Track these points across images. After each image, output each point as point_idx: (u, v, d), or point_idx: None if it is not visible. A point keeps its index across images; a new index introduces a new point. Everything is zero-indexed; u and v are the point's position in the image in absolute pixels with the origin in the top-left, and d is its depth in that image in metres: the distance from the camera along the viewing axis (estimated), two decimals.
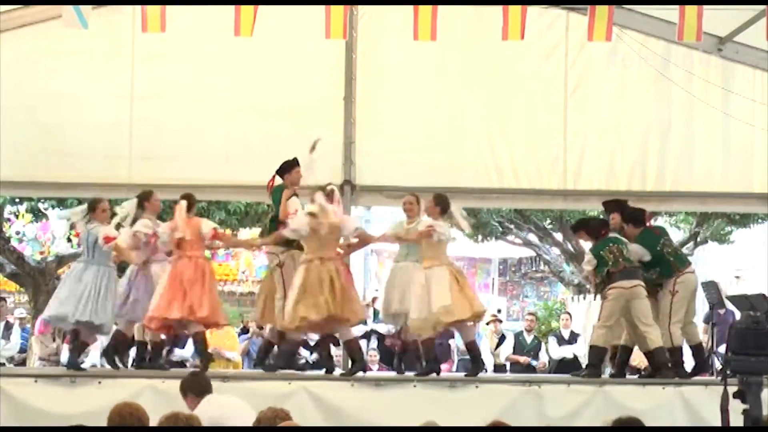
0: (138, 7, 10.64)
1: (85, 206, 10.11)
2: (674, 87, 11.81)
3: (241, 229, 16.33)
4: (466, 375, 10.10)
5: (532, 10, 10.64)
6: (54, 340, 14.17)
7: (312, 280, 9.50)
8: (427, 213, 10.05)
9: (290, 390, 9.32)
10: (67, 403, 9.15)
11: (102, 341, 15.32)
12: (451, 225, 10.11)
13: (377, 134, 11.77)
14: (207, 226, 10.10)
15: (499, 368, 14.84)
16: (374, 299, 15.21)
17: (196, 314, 9.71)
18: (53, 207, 15.84)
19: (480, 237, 18.63)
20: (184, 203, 10.01)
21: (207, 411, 6.97)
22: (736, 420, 5.33)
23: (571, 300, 19.21)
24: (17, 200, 15.54)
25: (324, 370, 10.24)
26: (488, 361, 15.07)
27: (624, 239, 10.27)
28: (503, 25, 10.26)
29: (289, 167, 10.16)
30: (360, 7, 11.60)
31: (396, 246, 10.61)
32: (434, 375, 9.86)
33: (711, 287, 13.56)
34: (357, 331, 12.15)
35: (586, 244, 10.99)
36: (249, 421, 6.43)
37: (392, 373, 10.66)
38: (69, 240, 18.23)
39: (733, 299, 12.53)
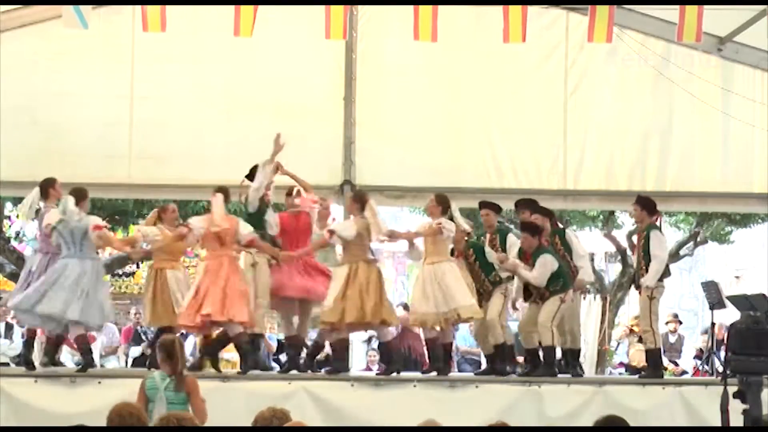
0: (138, 7, 10.65)
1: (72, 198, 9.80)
2: (674, 87, 11.81)
3: None
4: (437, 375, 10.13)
5: (532, 10, 10.65)
6: None
7: (361, 282, 9.64)
8: (429, 212, 10.17)
9: (290, 390, 9.33)
10: (67, 403, 9.15)
11: (102, 340, 15.42)
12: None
13: (377, 134, 11.77)
14: (246, 228, 9.89)
15: None
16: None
17: (227, 315, 9.60)
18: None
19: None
20: (220, 196, 9.85)
21: None
22: (736, 420, 5.32)
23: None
24: (17, 200, 15.53)
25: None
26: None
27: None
28: (504, 27, 10.28)
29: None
30: (360, 7, 11.60)
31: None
32: (434, 374, 9.91)
33: (711, 287, 13.54)
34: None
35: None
36: None
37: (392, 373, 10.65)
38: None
39: (733, 299, 12.52)
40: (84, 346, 9.87)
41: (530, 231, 10.33)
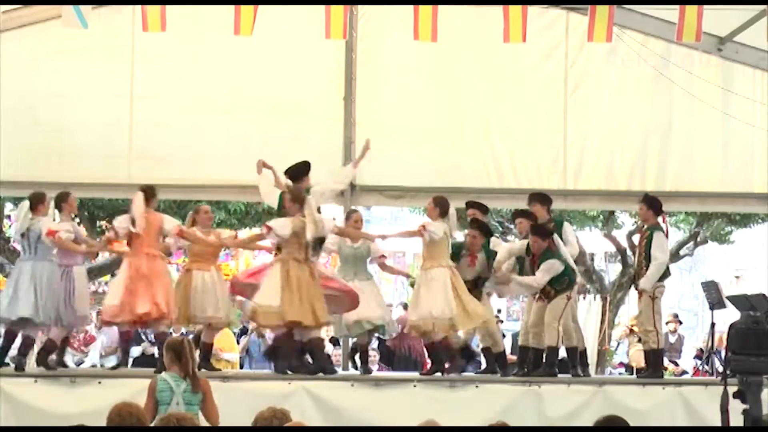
0: (138, 7, 10.65)
1: (27, 203, 10.00)
2: (674, 87, 11.81)
3: (241, 228, 16.33)
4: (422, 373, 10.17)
5: (532, 10, 10.65)
6: None
7: (293, 281, 9.61)
8: (427, 214, 10.18)
9: (290, 390, 9.34)
10: (67, 403, 9.17)
11: (102, 340, 15.41)
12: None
13: (377, 134, 11.73)
14: (170, 222, 10.04)
15: None
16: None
17: (162, 311, 9.75)
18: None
19: None
20: (141, 194, 9.94)
21: None
22: (736, 420, 5.32)
23: None
24: (17, 200, 15.52)
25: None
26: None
27: None
28: (504, 27, 10.27)
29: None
30: (360, 7, 11.60)
31: None
32: (438, 375, 9.90)
33: (711, 287, 13.55)
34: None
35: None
36: None
37: (392, 373, 10.69)
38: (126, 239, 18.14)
39: (733, 299, 12.52)
40: (27, 344, 10.00)
41: (540, 234, 10.34)
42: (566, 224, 11.03)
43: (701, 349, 15.29)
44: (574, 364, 10.50)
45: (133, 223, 9.84)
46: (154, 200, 10.11)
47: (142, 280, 9.70)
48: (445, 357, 10.21)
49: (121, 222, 10.04)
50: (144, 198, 9.92)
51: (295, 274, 9.62)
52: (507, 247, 10.76)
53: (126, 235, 9.96)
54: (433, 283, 9.85)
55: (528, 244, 10.44)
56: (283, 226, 9.74)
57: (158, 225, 9.94)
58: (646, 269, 10.30)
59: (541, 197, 10.86)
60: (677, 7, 10.27)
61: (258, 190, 10.71)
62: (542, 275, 10.15)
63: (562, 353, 10.65)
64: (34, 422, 8.94)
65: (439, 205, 10.09)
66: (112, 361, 15.19)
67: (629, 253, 15.13)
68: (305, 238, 9.70)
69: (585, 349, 10.92)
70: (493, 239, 10.98)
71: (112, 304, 9.83)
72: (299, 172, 10.22)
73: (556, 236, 10.49)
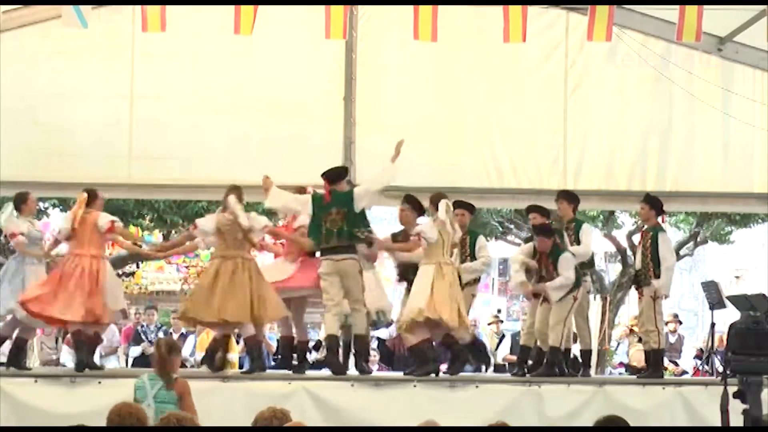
0: (138, 7, 10.66)
1: (11, 204, 10.22)
2: (674, 87, 11.81)
3: None
4: (405, 373, 10.15)
5: (532, 10, 10.66)
6: (57, 341, 14.17)
7: (210, 277, 9.70)
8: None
9: (290, 390, 9.34)
10: (67, 403, 9.16)
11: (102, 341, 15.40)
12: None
13: (377, 134, 11.75)
14: (103, 219, 9.99)
15: (498, 368, 14.85)
16: None
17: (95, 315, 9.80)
18: (53, 207, 15.84)
19: None
20: (84, 194, 9.98)
21: None
22: (736, 420, 5.32)
23: None
24: None
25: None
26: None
27: None
28: (504, 27, 10.29)
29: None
30: (360, 7, 11.60)
31: None
32: (432, 375, 9.88)
33: (711, 287, 13.57)
34: None
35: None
36: None
37: (392, 373, 10.67)
38: (69, 239, 18.18)
39: (733, 299, 12.53)
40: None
41: (544, 233, 10.32)
42: (585, 225, 11.01)
43: (701, 349, 15.30)
44: (562, 362, 10.46)
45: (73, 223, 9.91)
46: (98, 201, 10.11)
47: (66, 282, 9.73)
48: (430, 355, 10.12)
49: (62, 222, 10.21)
50: (87, 199, 9.95)
51: (214, 270, 9.72)
52: (519, 258, 10.64)
53: (66, 236, 10.04)
54: (418, 279, 9.89)
55: (534, 247, 10.43)
56: (206, 222, 9.95)
57: (93, 222, 9.91)
58: (652, 269, 10.30)
59: (569, 196, 10.88)
60: (677, 7, 10.28)
61: (256, 191, 10.71)
62: (567, 271, 10.12)
63: None
64: (34, 422, 8.94)
65: (433, 202, 10.09)
66: (111, 361, 15.24)
67: (629, 253, 15.16)
68: (234, 235, 9.73)
69: (590, 350, 10.92)
70: (480, 239, 10.94)
71: (32, 294, 9.83)
72: (336, 176, 10.07)
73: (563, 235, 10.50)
